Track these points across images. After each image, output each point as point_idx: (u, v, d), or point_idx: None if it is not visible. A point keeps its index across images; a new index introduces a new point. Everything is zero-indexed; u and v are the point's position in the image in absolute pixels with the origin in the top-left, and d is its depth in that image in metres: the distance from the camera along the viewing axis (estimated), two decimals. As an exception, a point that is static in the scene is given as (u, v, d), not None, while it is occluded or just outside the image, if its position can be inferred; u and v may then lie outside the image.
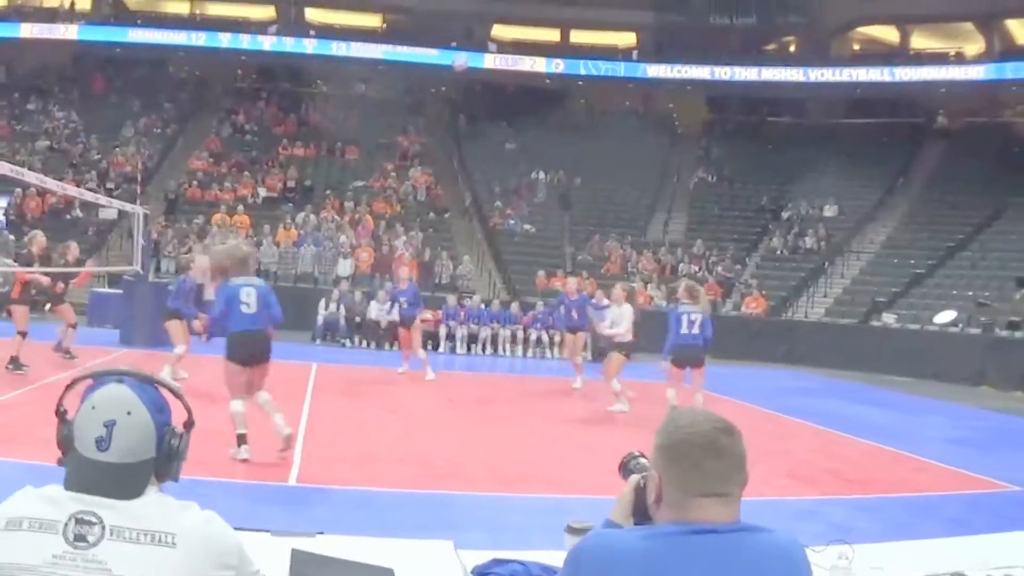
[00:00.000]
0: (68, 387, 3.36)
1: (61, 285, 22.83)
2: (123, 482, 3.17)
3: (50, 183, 23.78)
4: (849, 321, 36.92)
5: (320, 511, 10.62)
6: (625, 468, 3.73)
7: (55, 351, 21.88)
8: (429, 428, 17.16)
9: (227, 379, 13.15)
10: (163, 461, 3.28)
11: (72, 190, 28.72)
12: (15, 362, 19.74)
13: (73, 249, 23.92)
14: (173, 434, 3.30)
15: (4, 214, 40.10)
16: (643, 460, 3.48)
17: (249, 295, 13.08)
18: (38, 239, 22.29)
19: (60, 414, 3.33)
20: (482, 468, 13.67)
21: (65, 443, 3.26)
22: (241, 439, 12.84)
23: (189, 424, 3.39)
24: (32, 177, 22.57)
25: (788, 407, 22.32)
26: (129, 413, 3.19)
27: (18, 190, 40.22)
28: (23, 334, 20.25)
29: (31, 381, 17.68)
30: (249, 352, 13.08)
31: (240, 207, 41.49)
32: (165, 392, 3.36)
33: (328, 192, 44.56)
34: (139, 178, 37.50)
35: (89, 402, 3.21)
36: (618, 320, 20.14)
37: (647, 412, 19.02)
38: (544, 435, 16.98)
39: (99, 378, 3.29)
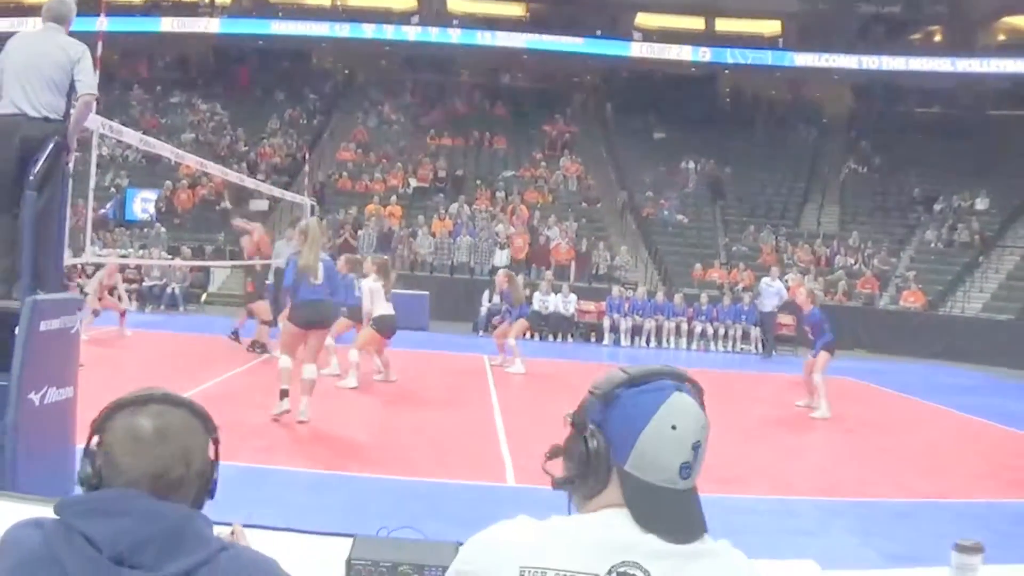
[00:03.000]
0: (629, 385, 2.75)
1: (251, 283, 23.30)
2: (696, 517, 2.73)
3: (211, 167, 23.96)
4: (1006, 317, 36.44)
5: (544, 512, 10.71)
6: None
7: (248, 349, 22.38)
8: None
9: (284, 339, 15.20)
10: None
11: (250, 182, 29.07)
12: (257, 345, 21.80)
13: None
14: None
15: (154, 207, 40.73)
16: None
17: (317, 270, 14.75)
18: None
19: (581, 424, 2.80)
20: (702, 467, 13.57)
21: (594, 462, 2.72)
22: (283, 393, 14.46)
23: None
24: (192, 160, 22.92)
25: (963, 404, 22.05)
26: (703, 428, 2.76)
27: (168, 183, 40.89)
28: (267, 323, 22.13)
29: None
30: (309, 319, 14.71)
31: (392, 198, 41.90)
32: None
33: (479, 182, 44.73)
34: (307, 169, 37.94)
35: (665, 418, 2.66)
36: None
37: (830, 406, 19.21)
38: (746, 432, 16.75)
39: (651, 382, 2.76)
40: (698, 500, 2.72)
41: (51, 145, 9.14)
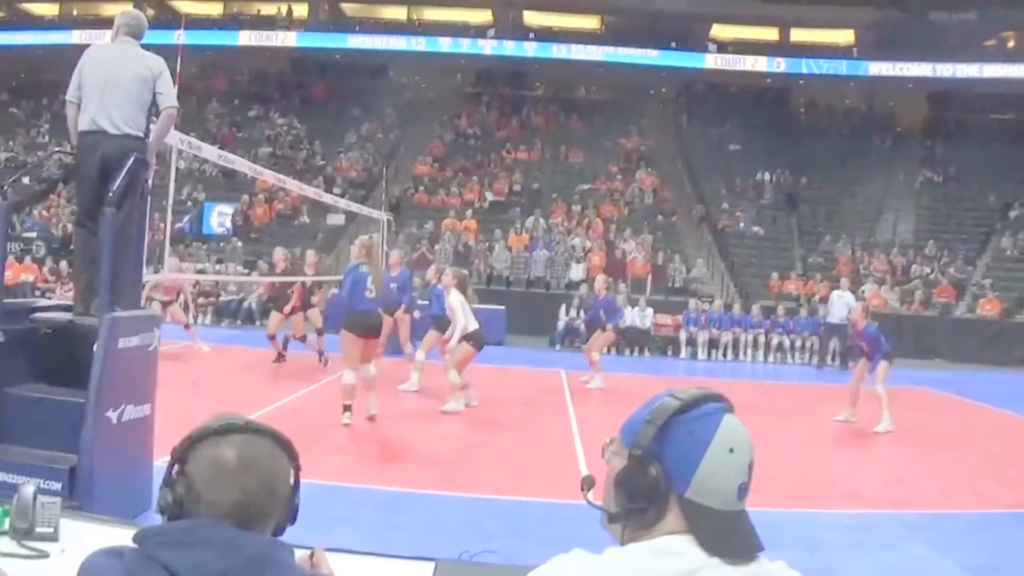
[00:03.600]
0: (685, 410, 2.74)
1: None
2: (753, 536, 2.73)
3: (289, 183, 24.23)
4: (1086, 324, 36.02)
5: None
6: None
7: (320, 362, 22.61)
8: None
9: (345, 347, 15.66)
10: None
11: (328, 197, 29.37)
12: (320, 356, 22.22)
13: (310, 257, 24.54)
14: None
15: (231, 221, 41.08)
16: None
17: (371, 281, 15.69)
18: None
19: (641, 457, 2.72)
20: (773, 481, 12.81)
21: (655, 492, 2.68)
22: (347, 408, 15.42)
23: None
24: (269, 176, 23.12)
25: None
26: (752, 448, 2.78)
27: (245, 197, 41.23)
28: (319, 331, 22.93)
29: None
30: (367, 326, 15.59)
31: (468, 212, 41.96)
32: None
33: (555, 195, 44.70)
34: (385, 184, 38.17)
35: (723, 444, 2.69)
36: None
37: (910, 417, 19.11)
38: (822, 446, 16.79)
39: (702, 406, 2.77)
40: (750, 519, 2.72)
41: (131, 162, 9.30)
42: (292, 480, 3.02)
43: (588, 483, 2.98)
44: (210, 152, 16.42)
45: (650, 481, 2.67)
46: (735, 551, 2.64)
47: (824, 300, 33.95)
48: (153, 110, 9.84)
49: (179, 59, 12.80)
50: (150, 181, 10.35)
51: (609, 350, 28.07)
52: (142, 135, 9.70)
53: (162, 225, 38.16)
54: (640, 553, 2.63)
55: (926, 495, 13.24)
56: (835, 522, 11.55)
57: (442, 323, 19.40)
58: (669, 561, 2.58)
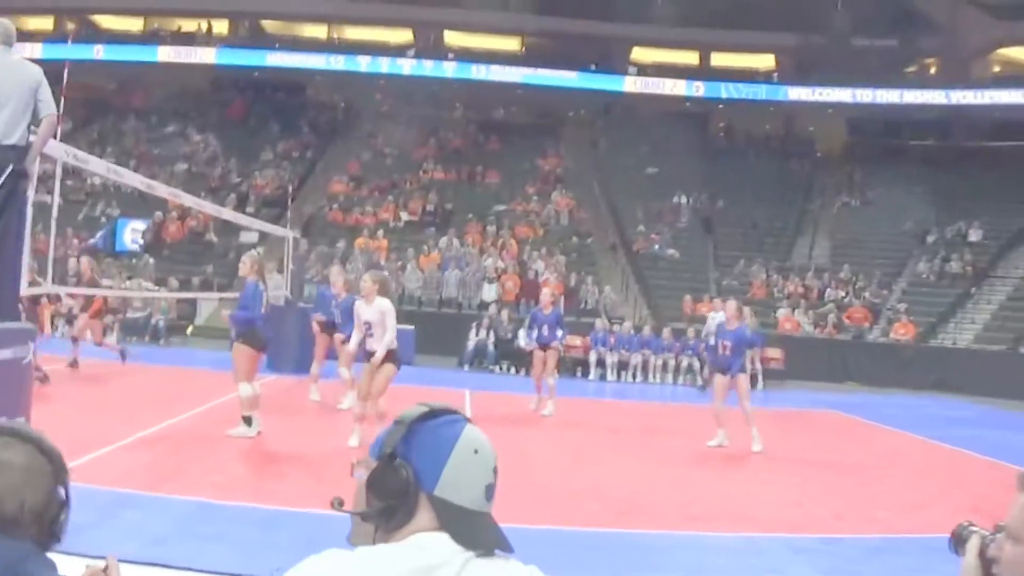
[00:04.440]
0: (425, 419, 2.81)
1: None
2: (505, 538, 2.82)
3: (208, 207, 23.98)
4: (998, 347, 36.34)
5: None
6: (958, 539, 3.49)
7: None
8: (599, 460, 16.63)
9: (240, 363, 15.60)
10: None
11: (227, 213, 28.96)
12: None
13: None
14: None
15: (142, 237, 40.54)
16: (974, 528, 3.30)
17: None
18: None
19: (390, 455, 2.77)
20: (663, 504, 13.21)
21: (405, 490, 2.71)
22: (246, 420, 15.54)
23: None
24: (189, 200, 22.78)
25: (950, 437, 21.63)
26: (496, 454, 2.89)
27: (158, 214, 40.78)
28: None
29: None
30: (263, 343, 15.94)
31: (381, 231, 41.66)
32: None
33: (470, 216, 44.49)
34: (290, 201, 37.77)
35: (468, 445, 2.78)
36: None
37: (811, 439, 18.89)
38: (718, 467, 16.56)
39: (447, 415, 2.85)
40: (497, 523, 2.81)
41: (6, 173, 8.94)
42: (59, 494, 2.89)
43: (338, 503, 2.92)
44: (98, 166, 15.93)
45: (400, 479, 2.71)
46: (487, 547, 2.72)
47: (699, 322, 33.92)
48: (33, 119, 9.48)
49: (65, 73, 12.47)
50: (30, 192, 9.95)
51: (522, 371, 27.76)
52: (23, 145, 9.32)
53: (75, 241, 38.03)
54: (393, 548, 2.67)
55: (821, 519, 13.04)
56: (724, 546, 11.33)
57: (331, 328, 19.88)
58: (422, 554, 2.63)
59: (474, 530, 2.72)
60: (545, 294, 23.43)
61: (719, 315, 29.42)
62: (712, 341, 29.88)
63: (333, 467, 13.81)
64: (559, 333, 22.50)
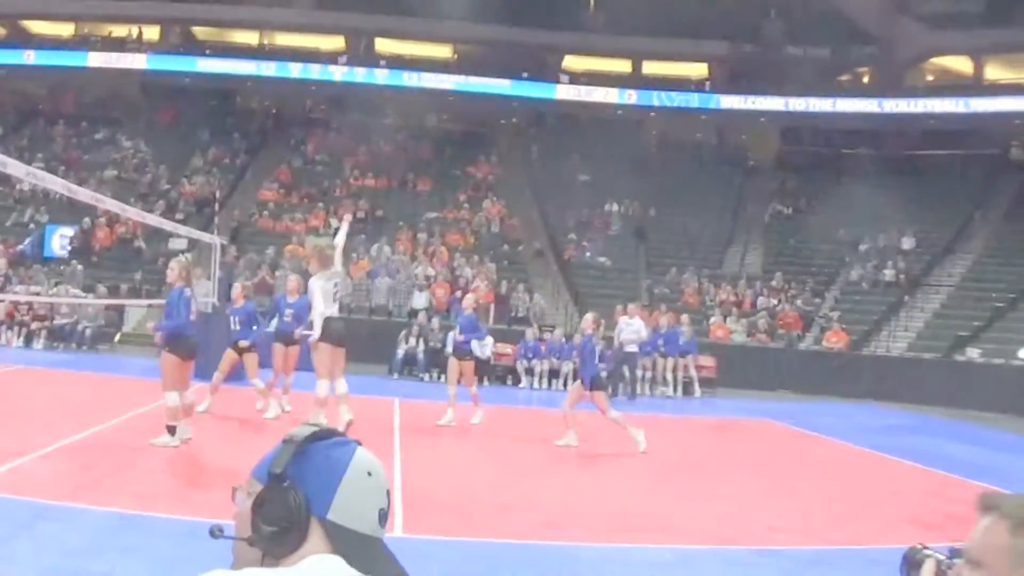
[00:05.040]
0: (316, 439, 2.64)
1: None
2: (400, 565, 2.67)
3: (131, 212, 23.53)
4: (932, 355, 36.34)
5: (434, 566, 9.80)
6: (910, 563, 3.18)
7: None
8: (527, 470, 16.28)
9: (168, 371, 15.22)
10: None
11: (151, 219, 28.40)
12: None
13: None
14: None
15: (70, 243, 39.96)
16: (928, 551, 3.00)
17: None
18: None
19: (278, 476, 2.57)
20: (594, 516, 12.84)
21: (296, 514, 2.53)
22: (170, 429, 15.08)
23: None
24: (112, 204, 22.23)
25: (885, 445, 21.36)
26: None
27: (86, 220, 40.22)
28: None
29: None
30: (190, 350, 15.51)
31: (309, 236, 41.04)
32: None
33: (401, 223, 44.16)
34: (216, 206, 37.26)
35: (360, 467, 2.62)
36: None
37: (745, 449, 18.59)
38: (649, 478, 16.18)
39: (337, 437, 2.70)
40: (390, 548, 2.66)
41: None
42: None
43: (217, 530, 2.74)
44: (17, 169, 15.42)
45: (290, 502, 2.53)
46: (384, 572, 2.56)
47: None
48: None
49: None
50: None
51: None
52: None
53: (1, 247, 37.45)
54: (285, 572, 2.47)
55: (754, 531, 12.67)
56: (656, 559, 11.01)
57: (287, 337, 19.51)
58: None
59: (369, 556, 2.56)
60: (468, 298, 22.76)
61: (634, 321, 29.21)
62: (627, 348, 29.69)
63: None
64: (473, 340, 21.54)
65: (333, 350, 16.33)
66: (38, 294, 33.23)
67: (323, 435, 2.66)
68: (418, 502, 12.29)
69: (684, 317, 33.75)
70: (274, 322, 20.60)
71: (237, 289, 20.96)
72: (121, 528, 10.23)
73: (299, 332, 19.79)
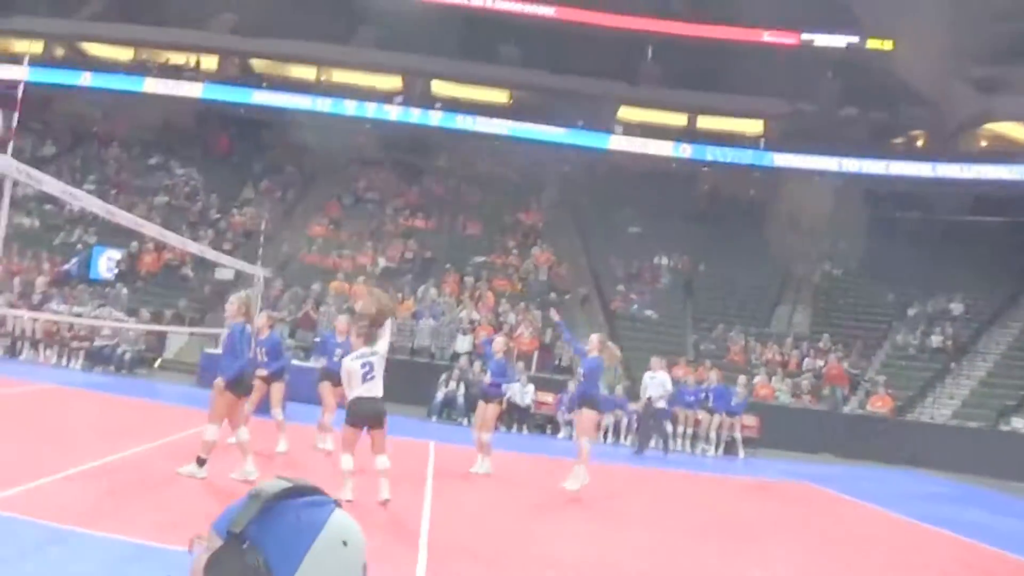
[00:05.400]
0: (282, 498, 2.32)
1: None
2: None
3: (171, 238, 23.57)
4: (977, 424, 35.90)
5: None
6: None
7: None
8: (560, 523, 15.87)
9: (218, 405, 15.09)
10: None
11: (193, 247, 28.47)
12: None
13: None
14: None
15: (116, 266, 40.00)
16: None
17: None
18: None
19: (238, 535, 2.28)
20: (623, 574, 12.54)
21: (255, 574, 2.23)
22: (201, 462, 14.84)
23: None
24: (153, 230, 22.24)
25: (924, 514, 20.91)
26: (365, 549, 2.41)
27: (134, 244, 40.31)
28: None
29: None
30: (248, 388, 15.78)
31: (360, 276, 40.90)
32: None
33: (448, 266, 44.05)
34: (261, 239, 37.30)
35: (335, 534, 2.29)
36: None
37: (782, 513, 18.32)
38: (684, 538, 15.77)
39: (315, 495, 2.37)
40: None
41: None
42: None
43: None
44: (53, 187, 15.36)
45: (246, 566, 2.22)
46: None
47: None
48: None
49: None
50: None
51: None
52: None
53: (47, 265, 37.60)
54: None
55: None
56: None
57: (337, 378, 18.25)
58: None
59: None
60: (498, 341, 22.10)
61: (658, 375, 28.86)
62: (656, 404, 29.36)
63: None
64: (504, 385, 21.40)
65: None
66: (80, 315, 33.28)
67: (297, 492, 2.35)
68: (444, 550, 12.10)
69: (742, 378, 33.30)
70: (322, 360, 20.38)
71: (263, 319, 20.60)
72: (133, 558, 10.05)
73: None
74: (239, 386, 15.04)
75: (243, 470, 14.87)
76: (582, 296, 44.67)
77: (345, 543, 2.29)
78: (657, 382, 28.95)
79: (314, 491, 2.36)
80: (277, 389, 19.51)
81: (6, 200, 13.34)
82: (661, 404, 29.01)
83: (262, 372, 19.17)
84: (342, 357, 18.14)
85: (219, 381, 14.93)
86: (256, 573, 2.20)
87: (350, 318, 20.99)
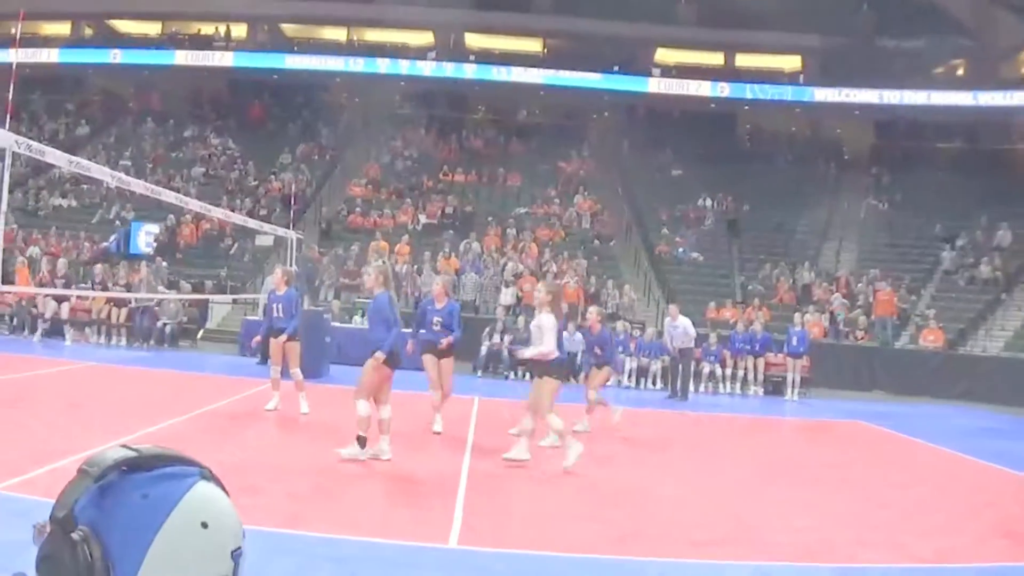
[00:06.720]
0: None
1: None
2: None
3: (216, 212, 23.39)
4: (1031, 355, 35.20)
5: None
6: None
7: None
8: (604, 478, 15.19)
9: (370, 378, 14.61)
10: None
11: (236, 218, 28.33)
12: None
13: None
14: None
15: (156, 240, 40.08)
16: None
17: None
18: None
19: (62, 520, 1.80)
20: (669, 528, 12.05)
21: (90, 569, 1.76)
22: (361, 441, 14.37)
23: None
24: (194, 205, 22.04)
25: (979, 450, 20.44)
26: (241, 533, 1.94)
27: (171, 216, 40.26)
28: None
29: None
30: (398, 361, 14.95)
31: (402, 234, 40.92)
32: None
33: (490, 219, 43.82)
34: (291, 202, 36.98)
35: (190, 514, 1.84)
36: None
37: (834, 453, 18.03)
38: (732, 485, 15.28)
39: (170, 465, 1.91)
40: None
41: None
42: None
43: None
44: (59, 159, 15.17)
45: (79, 558, 1.76)
46: None
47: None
48: None
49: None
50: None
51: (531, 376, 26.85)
52: None
53: (87, 244, 37.54)
54: None
55: (840, 545, 11.73)
56: (731, 576, 10.32)
57: (437, 349, 17.81)
58: None
59: None
60: (592, 313, 20.78)
61: (679, 322, 28.52)
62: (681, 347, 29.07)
63: (304, 481, 12.91)
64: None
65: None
66: (120, 286, 33.14)
67: (145, 462, 1.88)
68: (481, 509, 11.81)
69: (797, 317, 32.81)
70: (422, 332, 18.92)
71: (278, 275, 19.86)
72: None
73: (445, 342, 18.00)
74: (396, 358, 14.67)
75: (378, 447, 14.56)
76: (630, 241, 44.33)
77: (205, 524, 1.85)
78: (680, 331, 28.49)
79: (176, 459, 1.92)
80: (292, 349, 19.15)
81: (6, 174, 13.17)
82: (688, 345, 28.59)
83: (281, 336, 18.85)
84: (441, 326, 17.62)
85: (378, 354, 14.44)
86: (90, 569, 1.76)
87: (444, 280, 19.74)
